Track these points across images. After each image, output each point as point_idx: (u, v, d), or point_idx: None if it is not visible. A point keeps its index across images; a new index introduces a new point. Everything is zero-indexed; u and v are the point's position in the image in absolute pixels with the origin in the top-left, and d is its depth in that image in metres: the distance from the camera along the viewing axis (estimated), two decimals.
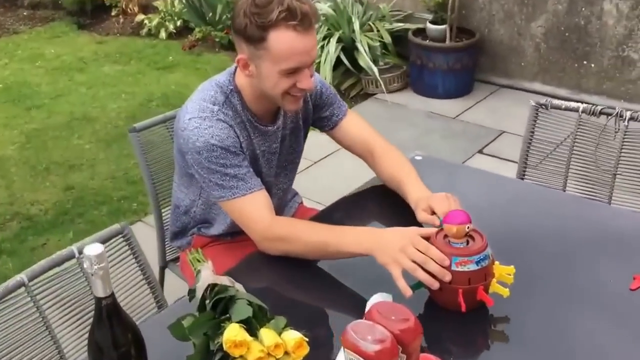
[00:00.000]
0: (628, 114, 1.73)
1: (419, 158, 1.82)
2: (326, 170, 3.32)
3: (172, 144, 1.68)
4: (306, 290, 1.37)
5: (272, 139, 1.56)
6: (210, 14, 5.05)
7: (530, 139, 1.90)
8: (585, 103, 3.96)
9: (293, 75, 1.39)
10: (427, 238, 1.24)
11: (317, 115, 1.67)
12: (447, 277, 1.18)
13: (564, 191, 1.89)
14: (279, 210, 1.75)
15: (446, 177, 1.75)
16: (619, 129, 1.76)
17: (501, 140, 3.63)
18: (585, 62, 3.93)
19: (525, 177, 1.95)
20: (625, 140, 1.77)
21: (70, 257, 1.30)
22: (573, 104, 1.81)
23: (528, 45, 4.10)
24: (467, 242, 1.22)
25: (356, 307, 1.20)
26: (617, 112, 1.75)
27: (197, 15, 5.14)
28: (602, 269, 1.34)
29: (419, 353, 0.96)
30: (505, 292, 1.23)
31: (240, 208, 1.43)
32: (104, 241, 1.34)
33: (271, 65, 1.37)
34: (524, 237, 1.45)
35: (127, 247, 1.39)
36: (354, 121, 1.68)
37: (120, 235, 1.38)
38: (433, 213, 1.40)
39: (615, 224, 1.50)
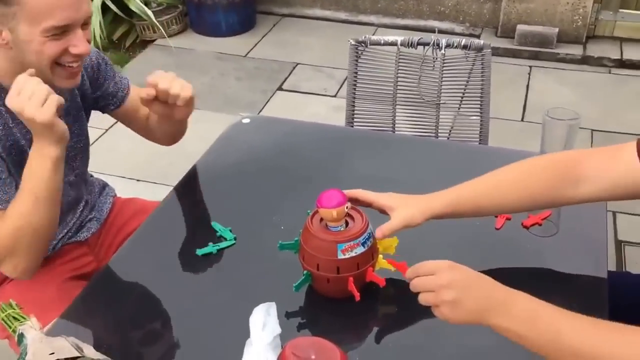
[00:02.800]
0: (444, 41, 1.72)
1: (246, 121, 1.65)
2: (122, 136, 2.95)
3: None
4: (165, 324, 1.13)
5: None
6: None
7: (355, 80, 1.82)
8: (364, 24, 4.17)
9: (62, 38, 1.11)
10: None
11: (99, 92, 1.38)
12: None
13: (394, 131, 1.87)
14: (90, 210, 1.46)
15: (279, 136, 1.60)
16: (436, 58, 1.75)
17: (297, 73, 3.55)
18: None
19: (355, 121, 1.87)
20: (445, 68, 1.77)
21: None
22: (391, 38, 1.75)
23: None
24: (347, 223, 1.10)
25: (238, 328, 1.02)
26: (433, 41, 1.72)
27: None
28: None
29: None
30: (392, 243, 1.14)
31: None
32: None
33: (30, 26, 1.08)
34: (376, 188, 1.38)
35: None
36: (136, 95, 1.42)
37: None
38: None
39: (460, 159, 1.49)
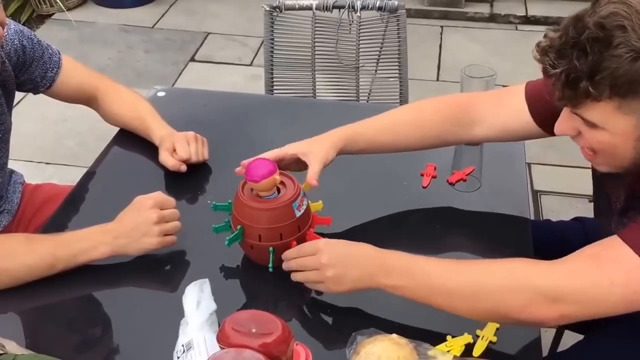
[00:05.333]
0: (359, 3, 1.71)
1: (161, 94, 1.58)
2: (27, 118, 2.76)
3: None
4: (91, 312, 1.08)
5: None
6: None
7: (272, 47, 1.78)
8: None
9: None
10: None
11: (26, 76, 1.30)
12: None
13: (315, 97, 1.85)
14: (2, 197, 1.36)
15: (196, 108, 1.55)
16: (352, 21, 1.74)
17: (209, 43, 3.45)
18: None
19: (275, 88, 1.84)
20: (361, 31, 1.76)
21: None
22: (306, 2, 1.72)
23: None
24: (278, 190, 1.07)
25: (172, 309, 0.99)
26: (349, 4, 1.71)
27: None
28: (390, 172, 1.33)
29: (292, 355, 0.81)
30: (319, 205, 1.14)
31: None
32: None
33: None
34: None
35: None
36: (71, 69, 1.38)
37: None
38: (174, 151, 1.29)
39: None
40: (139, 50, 3.38)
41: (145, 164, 1.35)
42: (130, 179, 1.33)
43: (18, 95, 1.33)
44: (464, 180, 1.29)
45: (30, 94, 1.38)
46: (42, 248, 1.07)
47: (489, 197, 1.26)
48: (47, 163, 2.59)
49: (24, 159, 2.45)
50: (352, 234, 1.17)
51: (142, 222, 1.07)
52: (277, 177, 1.03)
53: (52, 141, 2.72)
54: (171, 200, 1.11)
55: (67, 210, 1.27)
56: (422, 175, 1.31)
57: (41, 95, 1.39)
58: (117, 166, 1.38)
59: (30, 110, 2.62)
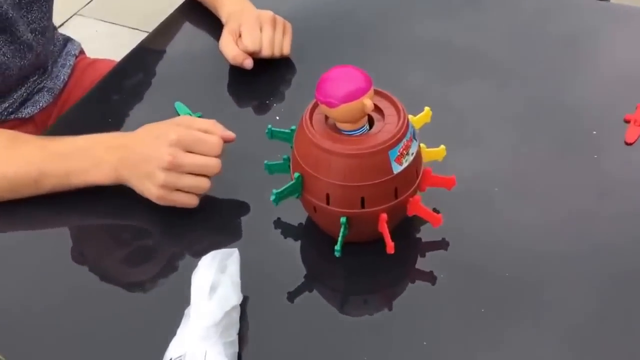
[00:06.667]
0: None
1: None
2: None
3: None
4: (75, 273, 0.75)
5: None
6: None
7: None
8: None
9: None
10: None
11: None
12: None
13: None
14: (43, 77, 1.05)
15: None
16: None
17: None
18: None
19: None
20: None
21: None
22: None
23: None
24: (370, 123, 0.63)
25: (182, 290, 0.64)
26: None
27: None
28: (573, 111, 0.84)
29: None
30: (439, 153, 0.70)
31: None
32: None
33: None
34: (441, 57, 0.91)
35: None
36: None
37: None
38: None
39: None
40: None
41: (205, 48, 0.97)
42: (180, 66, 0.97)
43: None
44: None
45: None
46: (28, 156, 0.77)
47: None
48: (144, 31, 2.31)
49: (120, 22, 2.16)
50: (491, 212, 0.73)
51: (152, 157, 0.70)
52: (368, 101, 0.59)
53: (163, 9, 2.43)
54: (214, 143, 0.70)
55: (95, 96, 0.94)
56: (626, 121, 0.82)
57: None
58: (171, 46, 1.03)
59: None
